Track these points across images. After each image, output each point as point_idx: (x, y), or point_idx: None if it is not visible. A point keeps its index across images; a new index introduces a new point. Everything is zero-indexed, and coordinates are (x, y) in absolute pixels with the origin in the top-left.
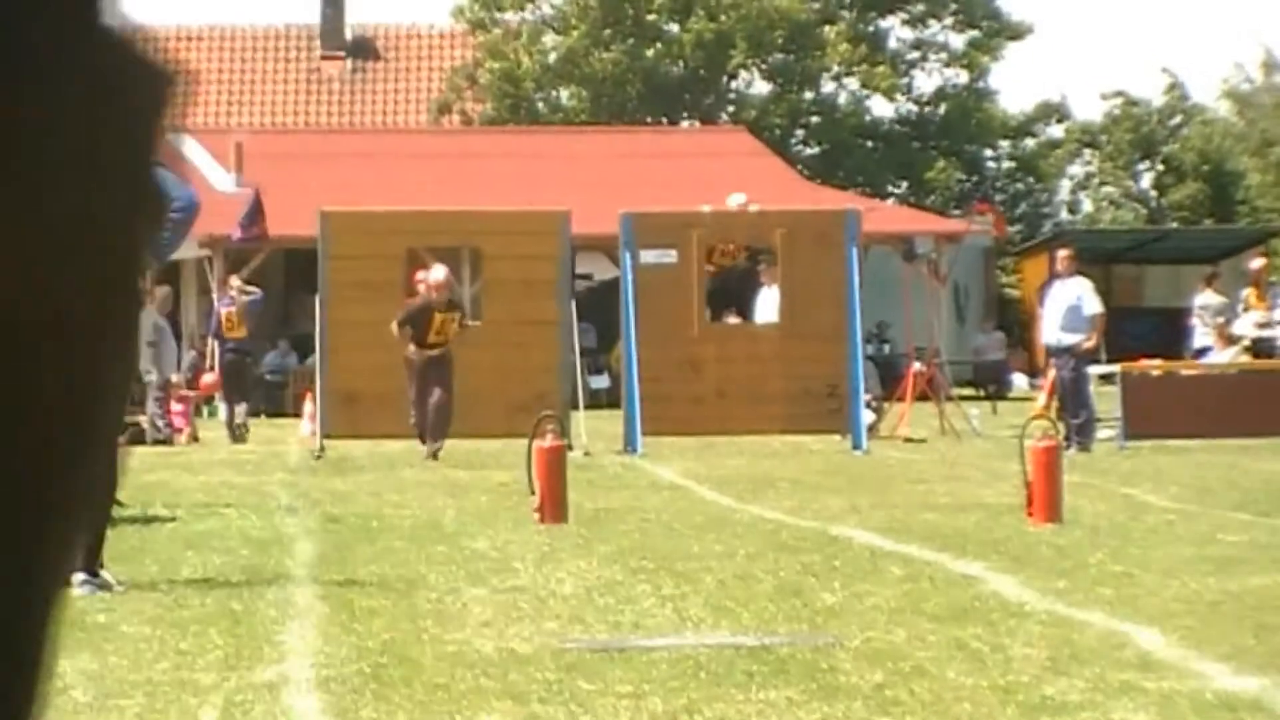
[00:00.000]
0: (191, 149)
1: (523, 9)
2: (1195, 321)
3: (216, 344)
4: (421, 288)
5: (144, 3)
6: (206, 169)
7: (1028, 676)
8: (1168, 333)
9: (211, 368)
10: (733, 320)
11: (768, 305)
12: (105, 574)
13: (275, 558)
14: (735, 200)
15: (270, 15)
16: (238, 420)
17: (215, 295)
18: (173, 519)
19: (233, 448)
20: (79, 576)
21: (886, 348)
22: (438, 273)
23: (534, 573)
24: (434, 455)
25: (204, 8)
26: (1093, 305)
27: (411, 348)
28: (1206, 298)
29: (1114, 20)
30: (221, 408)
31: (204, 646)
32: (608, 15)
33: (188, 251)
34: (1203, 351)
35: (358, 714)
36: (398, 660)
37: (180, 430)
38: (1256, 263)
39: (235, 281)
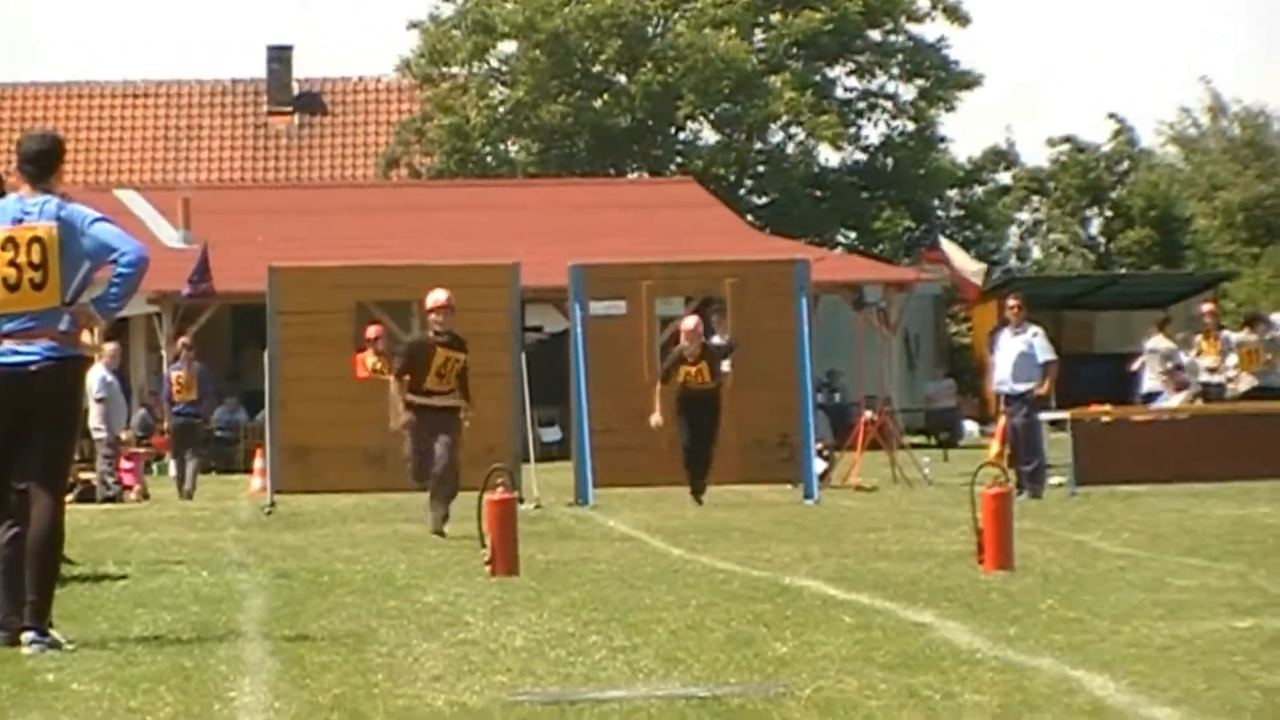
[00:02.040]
0: (139, 205)
1: (470, 63)
2: (1144, 365)
3: (168, 406)
4: (369, 342)
5: (92, 60)
6: (154, 225)
7: None
8: (1118, 378)
9: (163, 430)
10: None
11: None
12: (55, 633)
13: (226, 614)
14: (441, 295)
15: (217, 71)
16: (187, 484)
17: (165, 354)
18: (123, 576)
19: (183, 504)
20: (28, 635)
21: (837, 396)
22: (438, 294)
23: (485, 626)
24: (440, 531)
25: (150, 64)
26: (1045, 353)
27: (406, 399)
28: (1157, 342)
29: (1061, 66)
30: (172, 465)
31: (155, 704)
32: (555, 67)
33: (137, 308)
34: (1152, 396)
35: None
36: (349, 715)
37: (130, 488)
38: (1205, 307)
39: (184, 341)
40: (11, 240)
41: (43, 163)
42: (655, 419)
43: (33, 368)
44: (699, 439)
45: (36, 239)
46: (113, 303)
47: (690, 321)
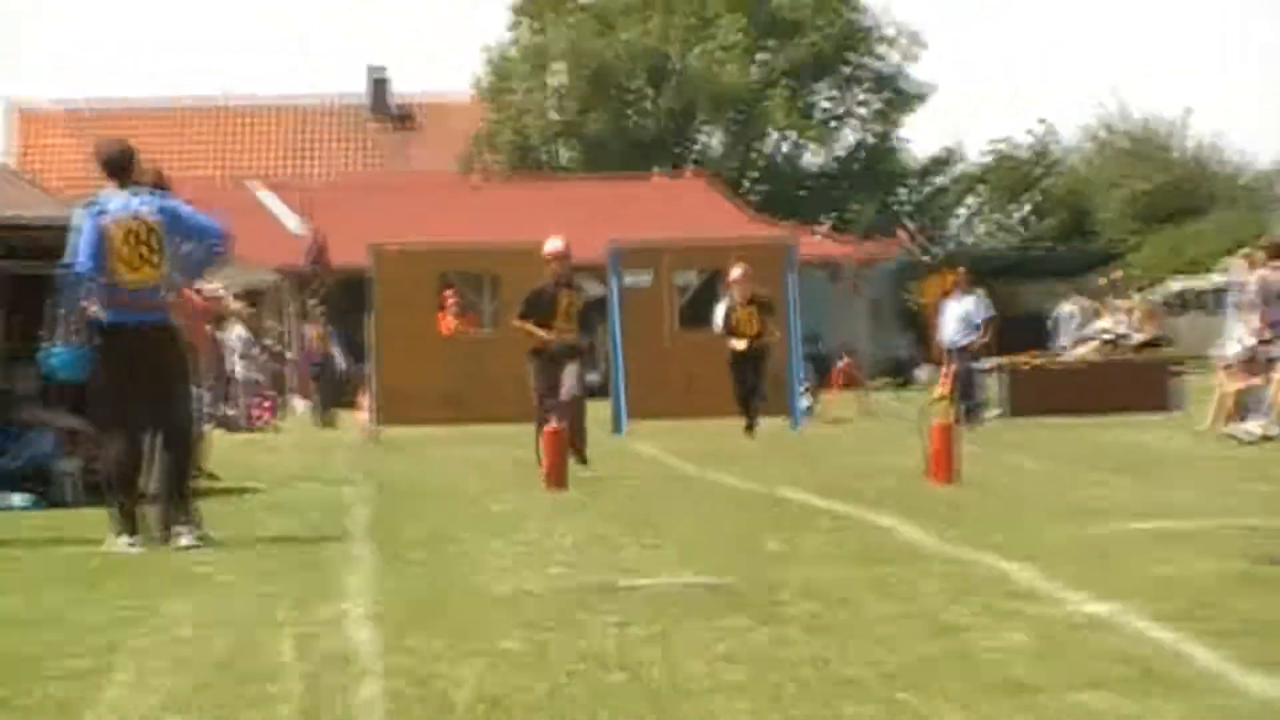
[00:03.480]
0: (268, 198)
1: (529, 82)
2: (1061, 321)
3: (303, 358)
4: (445, 304)
5: (223, 81)
6: (280, 214)
7: (930, 605)
8: (1038, 333)
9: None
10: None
11: (721, 313)
12: (206, 531)
13: (338, 519)
14: (558, 243)
15: (326, 89)
16: (325, 414)
17: (288, 315)
18: (258, 490)
19: (304, 433)
20: (184, 540)
21: (820, 347)
22: (555, 242)
23: (541, 529)
24: (583, 460)
25: (274, 83)
26: (984, 311)
27: (531, 329)
28: (1071, 303)
29: (1002, 78)
30: (298, 404)
31: (283, 590)
32: (597, 88)
33: (265, 278)
34: (1059, 348)
35: (402, 642)
36: (435, 599)
37: (265, 421)
38: (1116, 274)
39: (321, 309)
40: (131, 230)
41: (121, 164)
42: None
43: (149, 328)
44: (746, 381)
45: (150, 228)
46: (199, 269)
47: (738, 270)
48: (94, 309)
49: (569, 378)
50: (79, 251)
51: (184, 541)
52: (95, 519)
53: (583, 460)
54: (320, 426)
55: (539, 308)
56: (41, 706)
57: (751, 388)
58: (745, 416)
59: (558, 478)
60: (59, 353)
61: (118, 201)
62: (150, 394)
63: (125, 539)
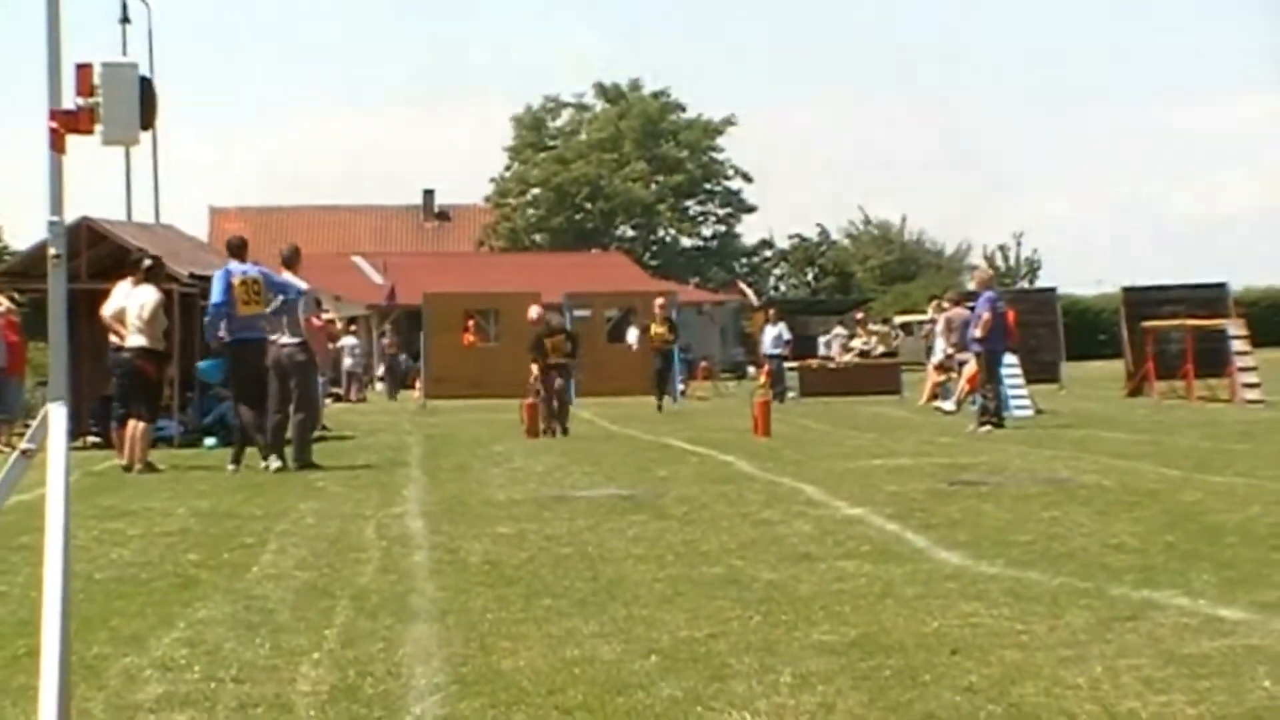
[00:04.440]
0: (362, 264)
1: (521, 196)
2: (832, 340)
3: (382, 357)
4: (467, 328)
5: (336, 190)
6: (370, 273)
7: (754, 508)
8: (817, 347)
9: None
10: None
11: (633, 335)
12: (312, 460)
13: (401, 455)
14: (535, 311)
15: (398, 199)
16: (394, 394)
17: (374, 332)
18: (353, 436)
19: (387, 404)
20: (273, 464)
21: (690, 354)
22: (533, 310)
23: (523, 461)
24: (565, 431)
25: (367, 195)
26: (787, 334)
27: (535, 368)
28: (838, 330)
29: (797, 198)
30: (379, 386)
31: (368, 498)
32: (560, 199)
33: (360, 310)
34: (830, 357)
35: (439, 528)
36: (459, 503)
37: (360, 398)
38: (859, 315)
39: (390, 329)
40: (245, 283)
41: (237, 248)
42: (634, 343)
43: (255, 341)
44: (662, 371)
45: (256, 281)
46: (309, 308)
47: (660, 300)
48: (222, 333)
49: (558, 381)
50: (215, 293)
51: (273, 465)
52: (253, 454)
53: (565, 431)
54: (391, 399)
55: (539, 350)
56: (225, 564)
57: (664, 374)
58: (657, 397)
59: (532, 431)
60: (204, 363)
61: (238, 266)
62: (264, 380)
63: (271, 461)
